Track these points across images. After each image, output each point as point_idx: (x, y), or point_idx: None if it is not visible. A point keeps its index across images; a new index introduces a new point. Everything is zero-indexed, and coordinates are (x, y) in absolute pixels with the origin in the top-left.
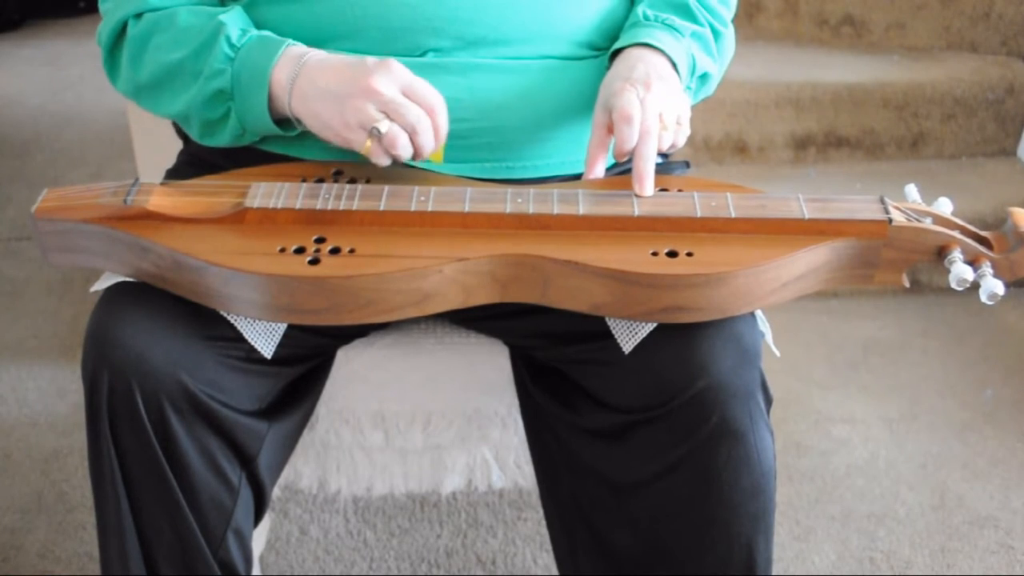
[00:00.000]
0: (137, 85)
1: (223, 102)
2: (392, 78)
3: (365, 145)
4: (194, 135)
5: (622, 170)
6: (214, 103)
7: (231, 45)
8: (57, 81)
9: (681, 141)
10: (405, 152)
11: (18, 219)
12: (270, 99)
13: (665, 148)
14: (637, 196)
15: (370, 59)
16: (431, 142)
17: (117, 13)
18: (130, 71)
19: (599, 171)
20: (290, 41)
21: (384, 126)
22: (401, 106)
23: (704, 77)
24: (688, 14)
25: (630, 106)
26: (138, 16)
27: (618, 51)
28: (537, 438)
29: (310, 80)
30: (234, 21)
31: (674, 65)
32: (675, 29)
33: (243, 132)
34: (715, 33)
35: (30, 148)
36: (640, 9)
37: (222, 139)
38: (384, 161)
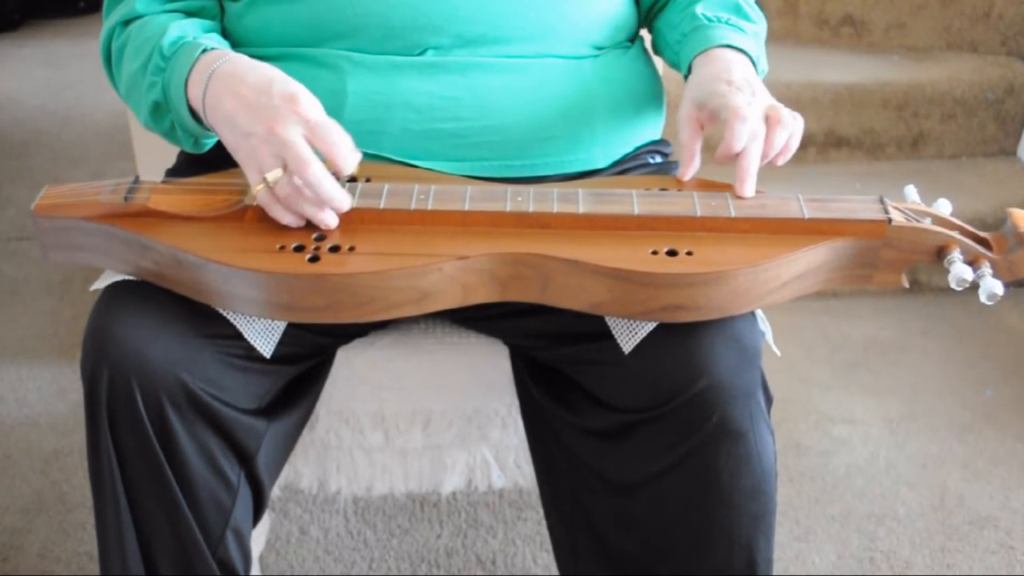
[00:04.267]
0: (121, 96)
1: (165, 114)
2: (297, 119)
3: (257, 188)
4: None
5: (623, 169)
6: (158, 116)
7: (162, 56)
8: (57, 81)
9: (796, 142)
10: (297, 207)
11: (18, 219)
12: (194, 112)
13: (780, 146)
14: (737, 197)
15: (278, 88)
16: (327, 191)
17: (110, 22)
18: (117, 81)
19: (696, 166)
20: (206, 46)
21: (273, 176)
22: (299, 161)
23: (761, 74)
24: (741, 12)
25: (745, 107)
26: (125, 24)
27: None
28: (537, 438)
29: (217, 98)
30: (179, 29)
31: (754, 65)
32: (740, 29)
33: (195, 140)
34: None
35: (30, 148)
36: (697, 10)
37: (185, 147)
38: (277, 213)
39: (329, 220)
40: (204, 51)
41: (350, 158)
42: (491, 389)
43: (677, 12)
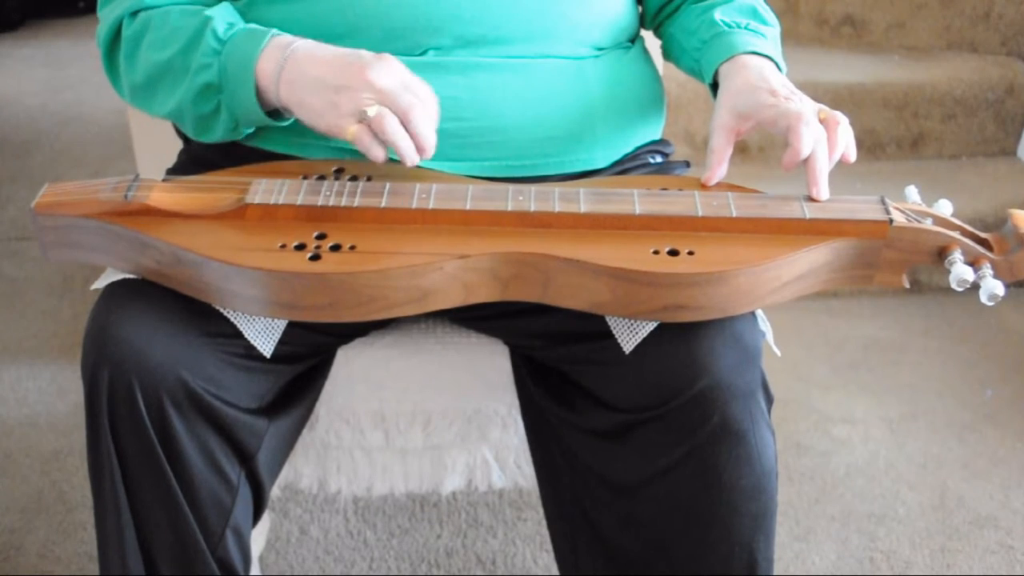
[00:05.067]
0: (133, 85)
1: (213, 96)
2: (390, 71)
3: (350, 130)
4: (189, 132)
5: (623, 169)
6: (204, 97)
7: (217, 39)
8: (57, 81)
9: (852, 138)
10: (396, 136)
11: (18, 219)
12: (258, 90)
13: (844, 145)
14: (813, 200)
15: (366, 53)
16: (427, 129)
17: (114, 13)
18: (126, 71)
19: (723, 172)
20: (275, 32)
21: (373, 110)
22: (395, 93)
23: None
24: (758, 16)
25: (807, 113)
26: (133, 15)
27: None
28: (537, 438)
29: (300, 71)
30: (221, 15)
31: (778, 69)
32: (761, 34)
33: (236, 125)
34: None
35: (30, 148)
36: (716, 16)
37: (216, 134)
38: (374, 151)
39: (411, 154)
40: (274, 35)
41: (435, 111)
42: (491, 389)
43: (693, 18)
